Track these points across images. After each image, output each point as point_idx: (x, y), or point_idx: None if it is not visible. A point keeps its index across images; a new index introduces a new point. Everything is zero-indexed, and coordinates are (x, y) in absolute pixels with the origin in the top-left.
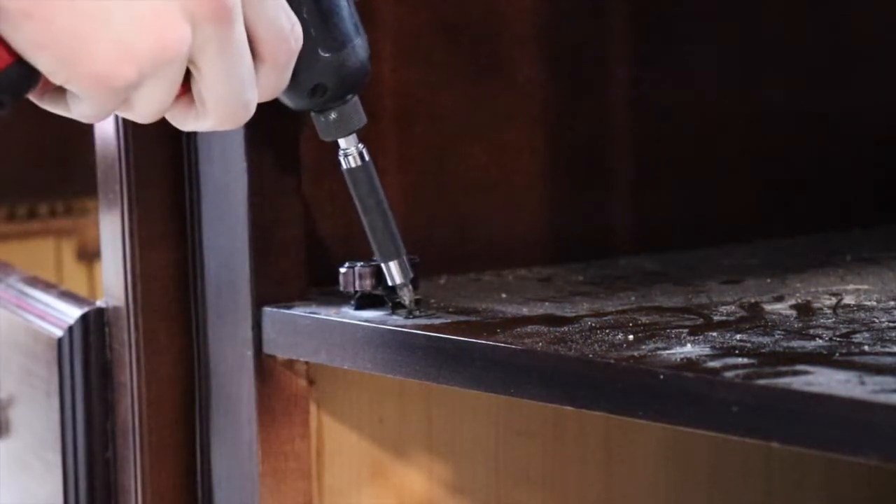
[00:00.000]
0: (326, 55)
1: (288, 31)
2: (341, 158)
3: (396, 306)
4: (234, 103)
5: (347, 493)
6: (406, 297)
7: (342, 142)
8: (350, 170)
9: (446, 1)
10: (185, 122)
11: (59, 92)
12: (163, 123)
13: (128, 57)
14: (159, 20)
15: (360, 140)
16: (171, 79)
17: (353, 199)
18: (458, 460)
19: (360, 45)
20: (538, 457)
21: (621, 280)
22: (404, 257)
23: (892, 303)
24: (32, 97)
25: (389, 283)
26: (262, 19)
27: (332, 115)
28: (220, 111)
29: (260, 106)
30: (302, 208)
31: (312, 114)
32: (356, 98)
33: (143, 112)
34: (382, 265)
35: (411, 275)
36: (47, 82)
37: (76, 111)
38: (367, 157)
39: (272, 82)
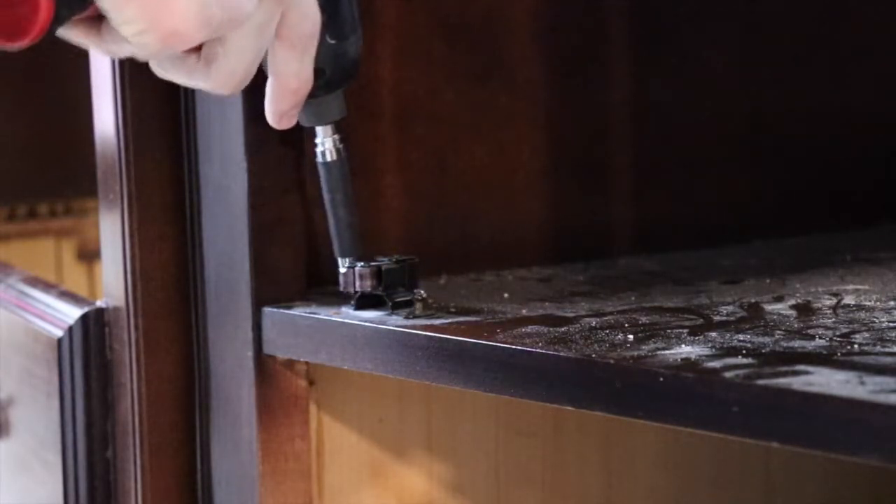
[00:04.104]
0: (332, 42)
1: (313, 15)
2: (317, 149)
3: (396, 306)
4: (241, 74)
5: (347, 493)
6: (352, 290)
7: (319, 131)
8: (325, 163)
9: (447, 1)
10: (191, 77)
11: (93, 25)
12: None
13: (205, 21)
14: None
15: (348, 137)
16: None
17: (321, 191)
18: (458, 460)
19: (358, 40)
20: (538, 457)
21: (621, 280)
22: (357, 260)
23: (892, 303)
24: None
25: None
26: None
27: (318, 102)
28: (224, 78)
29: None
30: (302, 208)
31: None
32: (341, 92)
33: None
34: (339, 261)
35: (361, 284)
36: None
37: (113, 48)
38: (342, 153)
39: (293, 66)
